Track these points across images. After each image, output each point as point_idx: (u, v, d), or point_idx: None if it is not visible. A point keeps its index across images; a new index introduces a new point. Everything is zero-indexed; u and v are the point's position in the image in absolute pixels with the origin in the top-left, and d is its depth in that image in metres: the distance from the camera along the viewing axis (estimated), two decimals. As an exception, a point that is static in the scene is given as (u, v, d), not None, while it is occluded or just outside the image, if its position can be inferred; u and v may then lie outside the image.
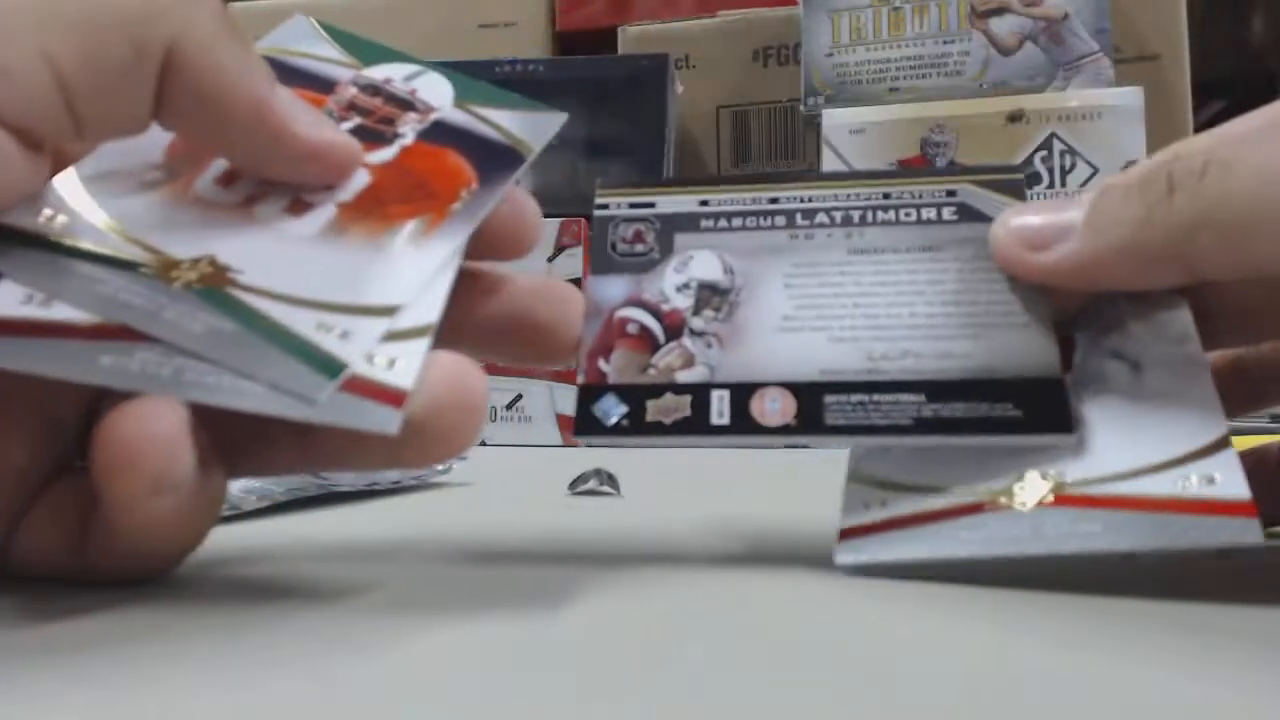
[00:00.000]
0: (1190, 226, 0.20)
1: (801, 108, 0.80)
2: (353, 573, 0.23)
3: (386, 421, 0.18)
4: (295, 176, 0.21)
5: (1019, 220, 0.22)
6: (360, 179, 0.22)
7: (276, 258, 0.20)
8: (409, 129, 0.24)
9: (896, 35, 0.78)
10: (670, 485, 0.43)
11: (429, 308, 0.20)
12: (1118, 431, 0.21)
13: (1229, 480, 0.19)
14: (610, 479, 0.39)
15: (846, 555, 0.21)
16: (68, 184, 0.20)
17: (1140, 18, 0.79)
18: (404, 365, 0.19)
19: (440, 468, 0.42)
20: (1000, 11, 0.76)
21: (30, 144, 0.18)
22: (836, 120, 0.75)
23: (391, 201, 0.22)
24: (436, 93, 0.25)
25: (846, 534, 0.22)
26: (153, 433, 0.17)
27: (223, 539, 0.22)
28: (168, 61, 0.18)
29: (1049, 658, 0.16)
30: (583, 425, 0.23)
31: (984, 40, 0.76)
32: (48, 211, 0.20)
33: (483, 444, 0.69)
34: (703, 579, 0.22)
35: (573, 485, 0.39)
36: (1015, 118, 0.72)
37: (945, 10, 0.77)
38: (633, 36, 0.87)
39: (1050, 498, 0.20)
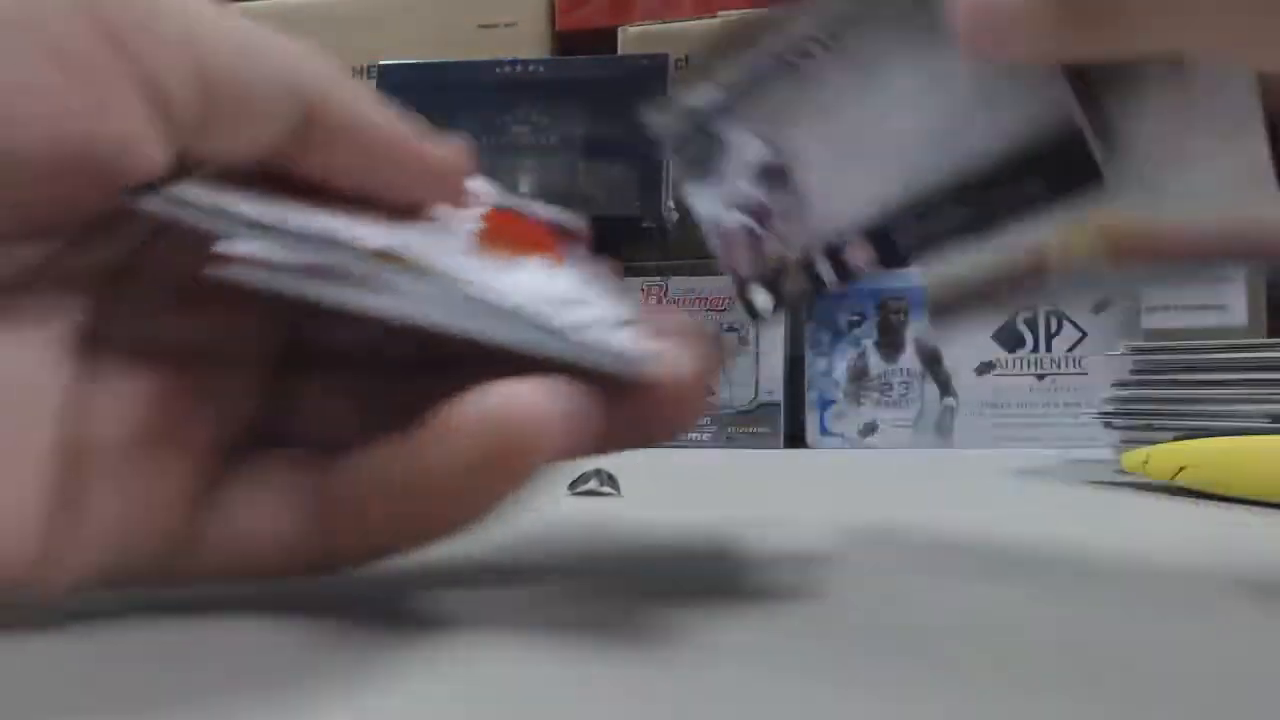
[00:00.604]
0: None
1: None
2: (350, 573, 0.23)
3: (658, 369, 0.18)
4: (429, 193, 0.22)
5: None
6: (474, 219, 0.23)
7: (452, 258, 0.20)
8: (482, 202, 0.24)
9: (896, 35, 0.78)
10: (670, 485, 0.43)
11: (619, 307, 0.21)
12: (1164, 184, 0.21)
13: None
14: (610, 479, 0.39)
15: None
16: (219, 184, 0.19)
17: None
18: (638, 345, 0.19)
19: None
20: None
21: (160, 131, 0.17)
22: (836, 120, 0.75)
23: (507, 242, 0.23)
24: (481, 186, 0.25)
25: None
26: (548, 413, 0.16)
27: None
28: (314, 103, 0.19)
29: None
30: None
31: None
32: (216, 195, 0.18)
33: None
34: (702, 579, 0.22)
35: (573, 485, 0.39)
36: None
37: (945, 10, 0.77)
38: (633, 36, 0.87)
39: (1101, 245, 0.21)
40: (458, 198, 0.23)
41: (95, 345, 0.18)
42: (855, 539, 0.27)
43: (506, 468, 0.17)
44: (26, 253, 0.17)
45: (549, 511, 0.35)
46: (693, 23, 0.87)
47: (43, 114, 0.16)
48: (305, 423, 0.21)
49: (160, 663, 0.16)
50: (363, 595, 0.20)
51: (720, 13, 0.87)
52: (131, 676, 0.15)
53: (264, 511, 0.19)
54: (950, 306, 0.24)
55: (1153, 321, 0.87)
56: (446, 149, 0.22)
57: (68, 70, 0.16)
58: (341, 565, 0.19)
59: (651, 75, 0.79)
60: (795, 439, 0.77)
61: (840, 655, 0.16)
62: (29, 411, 0.17)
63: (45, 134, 0.16)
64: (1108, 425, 0.46)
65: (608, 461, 0.42)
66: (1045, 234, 0.22)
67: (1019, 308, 0.23)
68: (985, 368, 0.75)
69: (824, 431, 0.76)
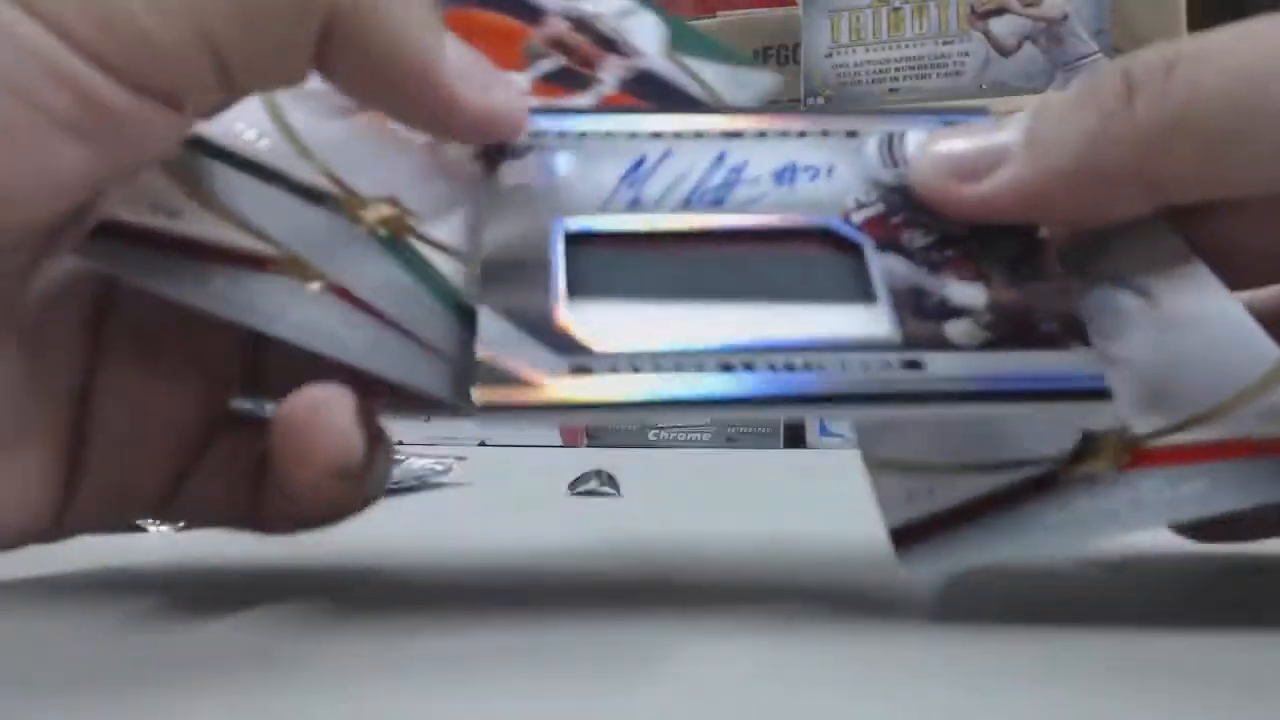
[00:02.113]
0: (1156, 136, 0.17)
1: (801, 108, 0.80)
2: (351, 573, 0.23)
3: None
4: (463, 140, 0.20)
5: (943, 147, 0.19)
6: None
7: (456, 207, 0.20)
8: (610, 75, 0.22)
9: (896, 36, 0.78)
10: (670, 485, 0.43)
11: None
12: (1165, 370, 0.18)
13: None
14: (610, 479, 0.39)
15: (916, 563, 0.18)
16: (267, 102, 0.20)
17: (1140, 18, 0.79)
18: None
19: (439, 468, 0.42)
20: (1000, 12, 0.76)
21: (172, 104, 0.17)
22: (836, 121, 0.75)
23: None
24: (647, 36, 0.23)
25: (902, 537, 0.18)
26: (330, 424, 0.17)
27: (219, 541, 0.22)
28: (328, 21, 0.17)
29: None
30: None
31: (984, 41, 0.76)
32: (249, 132, 0.19)
33: (482, 444, 0.69)
34: (701, 580, 0.22)
35: (573, 485, 0.39)
36: (1015, 118, 0.72)
37: (945, 11, 0.77)
38: (633, 37, 0.87)
39: (1129, 459, 0.17)
40: (498, 142, 0.20)
41: (99, 332, 0.20)
42: (853, 538, 0.27)
43: (303, 471, 0.17)
44: (31, 253, 0.18)
45: (548, 511, 0.35)
46: (692, 23, 0.87)
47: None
48: (278, 394, 0.21)
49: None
50: (360, 594, 0.20)
51: (720, 13, 0.87)
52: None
53: (223, 492, 0.21)
54: (921, 530, 0.18)
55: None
56: (498, 98, 0.19)
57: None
58: (291, 531, 0.21)
59: (651, 75, 0.79)
60: (795, 439, 0.77)
61: (840, 656, 0.16)
62: (49, 397, 0.19)
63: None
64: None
65: (608, 462, 0.42)
66: (1038, 437, 0.18)
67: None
68: (985, 368, 0.75)
69: (824, 432, 0.76)
